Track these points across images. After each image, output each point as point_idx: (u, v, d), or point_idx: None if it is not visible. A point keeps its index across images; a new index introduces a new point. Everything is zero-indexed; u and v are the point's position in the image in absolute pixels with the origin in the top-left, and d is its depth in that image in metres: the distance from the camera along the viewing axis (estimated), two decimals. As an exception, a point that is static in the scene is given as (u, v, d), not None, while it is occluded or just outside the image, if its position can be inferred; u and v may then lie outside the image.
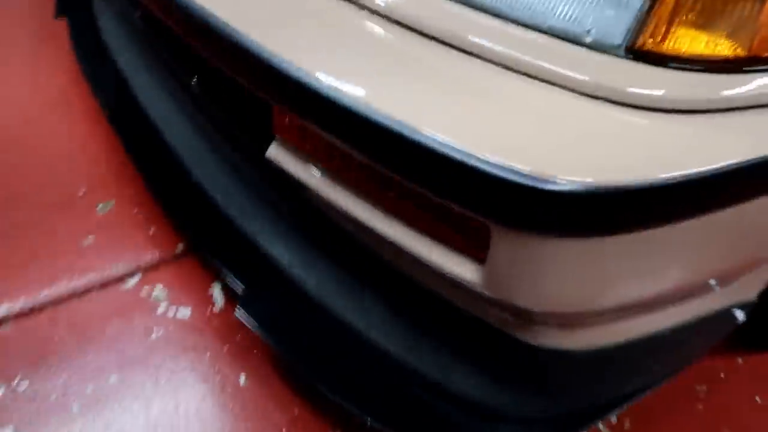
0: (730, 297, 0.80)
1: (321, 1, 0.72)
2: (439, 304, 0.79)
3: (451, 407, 0.82)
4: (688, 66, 0.57)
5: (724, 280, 0.73)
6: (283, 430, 0.95)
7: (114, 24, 1.48)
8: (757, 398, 1.07)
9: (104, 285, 1.12)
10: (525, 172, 0.52)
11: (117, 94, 1.34)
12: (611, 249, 0.57)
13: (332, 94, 0.61)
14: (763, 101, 0.59)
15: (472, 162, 0.53)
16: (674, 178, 0.52)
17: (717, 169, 0.55)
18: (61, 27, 1.65)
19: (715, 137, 0.57)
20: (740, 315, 0.82)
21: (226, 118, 1.00)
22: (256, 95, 0.78)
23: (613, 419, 1.00)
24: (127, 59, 1.38)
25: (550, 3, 0.60)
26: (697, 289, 0.73)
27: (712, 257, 0.66)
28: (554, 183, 0.51)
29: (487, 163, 0.53)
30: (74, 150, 1.41)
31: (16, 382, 0.97)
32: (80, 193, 1.30)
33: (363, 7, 0.69)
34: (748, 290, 0.81)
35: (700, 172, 0.53)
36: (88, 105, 1.54)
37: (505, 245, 0.58)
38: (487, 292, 0.64)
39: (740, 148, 0.57)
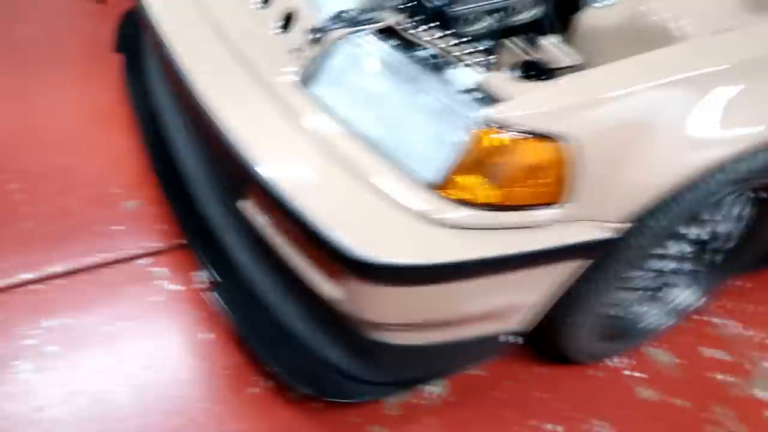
0: (503, 326, 1.32)
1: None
2: (331, 311, 1.30)
3: (334, 373, 1.34)
4: (466, 204, 1.09)
5: (487, 318, 1.25)
6: (229, 370, 1.48)
7: (154, 69, 1.98)
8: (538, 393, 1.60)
9: (126, 260, 1.65)
10: (361, 252, 1.03)
11: (151, 124, 1.85)
12: (407, 293, 1.09)
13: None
14: (505, 225, 1.10)
15: (331, 239, 1.05)
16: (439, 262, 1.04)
17: (464, 260, 1.06)
18: (113, 58, 2.16)
19: (472, 243, 1.08)
20: (511, 338, 1.35)
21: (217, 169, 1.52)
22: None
23: (438, 390, 1.53)
24: (160, 100, 1.89)
25: (397, 148, 1.11)
26: (470, 321, 1.25)
27: (470, 305, 1.18)
28: (375, 259, 1.02)
29: (339, 241, 1.05)
30: (111, 158, 1.94)
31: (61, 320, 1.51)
32: (114, 192, 1.83)
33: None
34: (515, 323, 1.33)
35: (452, 260, 1.05)
36: (126, 124, 2.06)
37: (351, 282, 1.10)
38: (342, 307, 1.16)
39: (485, 250, 1.08)
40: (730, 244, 1.56)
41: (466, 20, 1.28)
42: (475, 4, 1.26)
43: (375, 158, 1.12)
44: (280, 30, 1.34)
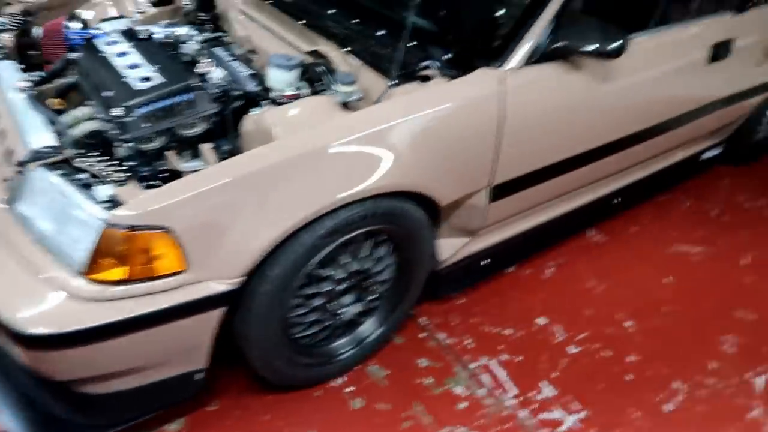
0: (186, 367, 1.75)
1: None
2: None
3: (64, 424, 1.73)
4: (108, 282, 1.53)
5: (166, 361, 1.68)
6: None
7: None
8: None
9: None
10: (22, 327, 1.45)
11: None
12: (72, 354, 1.51)
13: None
14: (144, 292, 1.55)
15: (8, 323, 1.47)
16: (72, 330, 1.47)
17: (108, 322, 1.50)
18: None
19: (114, 310, 1.52)
20: (199, 376, 1.78)
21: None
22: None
23: (176, 426, 1.94)
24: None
25: (65, 246, 1.54)
26: (151, 365, 1.67)
27: (137, 354, 1.61)
28: (27, 331, 1.45)
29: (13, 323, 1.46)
30: None
31: None
32: None
33: None
34: (197, 363, 1.76)
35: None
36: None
37: (31, 352, 1.51)
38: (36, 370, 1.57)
39: (127, 312, 1.52)
40: (386, 277, 2.06)
41: (142, 140, 1.75)
42: (144, 130, 1.73)
43: (48, 255, 1.56)
44: (5, 164, 1.77)
